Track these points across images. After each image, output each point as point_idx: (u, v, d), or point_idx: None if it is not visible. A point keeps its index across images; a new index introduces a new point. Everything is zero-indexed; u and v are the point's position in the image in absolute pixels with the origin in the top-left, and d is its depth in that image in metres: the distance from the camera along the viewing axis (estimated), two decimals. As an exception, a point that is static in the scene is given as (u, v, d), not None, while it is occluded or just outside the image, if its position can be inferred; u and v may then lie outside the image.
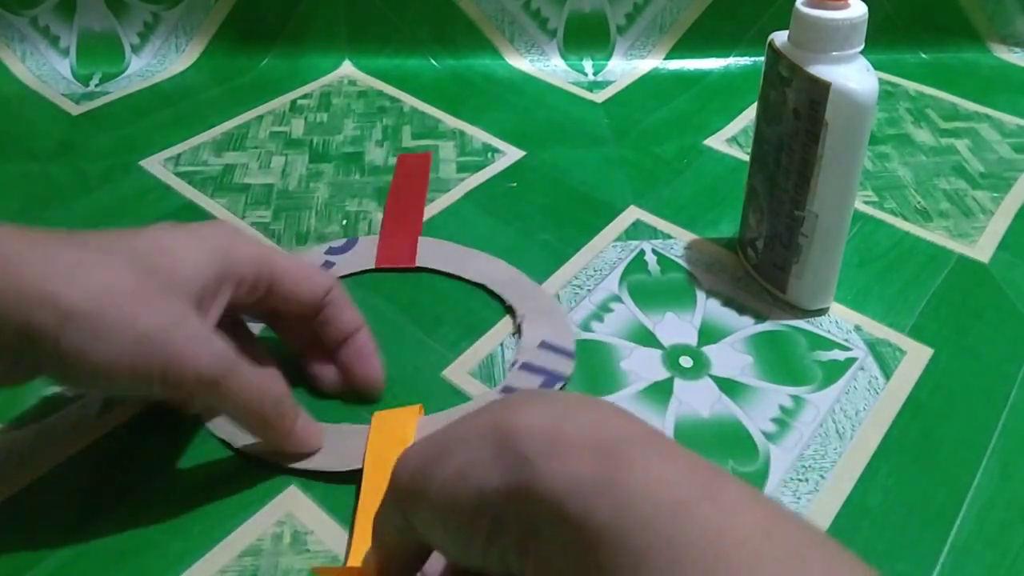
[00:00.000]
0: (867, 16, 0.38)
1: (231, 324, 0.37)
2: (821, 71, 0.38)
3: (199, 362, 0.31)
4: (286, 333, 0.40)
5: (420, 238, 0.50)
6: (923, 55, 0.71)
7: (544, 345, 0.42)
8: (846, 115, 0.38)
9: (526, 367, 0.41)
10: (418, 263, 0.48)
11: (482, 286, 0.46)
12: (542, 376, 0.41)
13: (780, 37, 0.41)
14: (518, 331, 0.43)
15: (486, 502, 0.21)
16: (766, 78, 0.42)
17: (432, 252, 0.49)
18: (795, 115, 0.40)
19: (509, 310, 0.45)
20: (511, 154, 0.59)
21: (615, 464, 0.20)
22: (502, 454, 0.21)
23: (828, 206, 0.41)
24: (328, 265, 0.48)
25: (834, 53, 0.38)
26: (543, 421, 0.22)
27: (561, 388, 0.40)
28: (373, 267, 0.48)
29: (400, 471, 0.24)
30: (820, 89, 0.38)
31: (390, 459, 0.34)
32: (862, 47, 0.38)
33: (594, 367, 0.42)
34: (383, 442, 0.37)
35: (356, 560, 0.32)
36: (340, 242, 0.50)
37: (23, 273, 0.29)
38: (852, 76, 0.38)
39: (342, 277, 0.47)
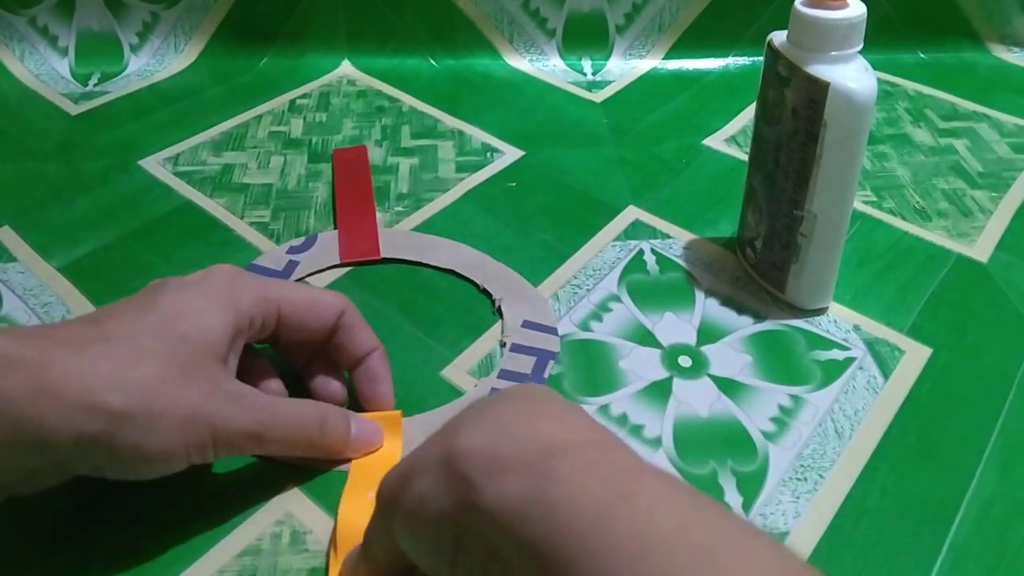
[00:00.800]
0: (866, 16, 0.38)
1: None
2: (820, 71, 0.38)
3: (241, 421, 0.32)
4: (290, 354, 0.40)
5: (378, 229, 0.51)
6: (922, 55, 0.71)
7: (527, 324, 0.43)
8: (845, 114, 0.38)
9: (516, 348, 0.42)
10: (382, 254, 0.49)
11: (451, 271, 0.47)
12: (533, 356, 0.42)
13: (779, 37, 0.41)
14: (498, 312, 0.44)
15: (444, 525, 0.23)
16: (765, 78, 0.42)
17: (394, 243, 0.49)
18: (794, 115, 0.40)
19: (484, 292, 0.46)
20: (510, 154, 0.59)
21: (545, 479, 0.21)
22: (450, 478, 0.23)
23: (827, 206, 0.41)
24: (292, 264, 0.48)
25: (833, 53, 0.38)
26: (483, 441, 0.23)
27: (553, 364, 0.41)
28: (338, 262, 0.48)
29: (382, 490, 0.26)
30: (819, 89, 0.38)
31: (373, 470, 0.35)
32: (861, 47, 0.38)
33: (593, 366, 0.42)
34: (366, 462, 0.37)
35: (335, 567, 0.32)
36: (299, 240, 0.50)
37: (66, 385, 0.29)
38: (851, 76, 0.38)
39: (309, 275, 0.47)
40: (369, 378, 0.38)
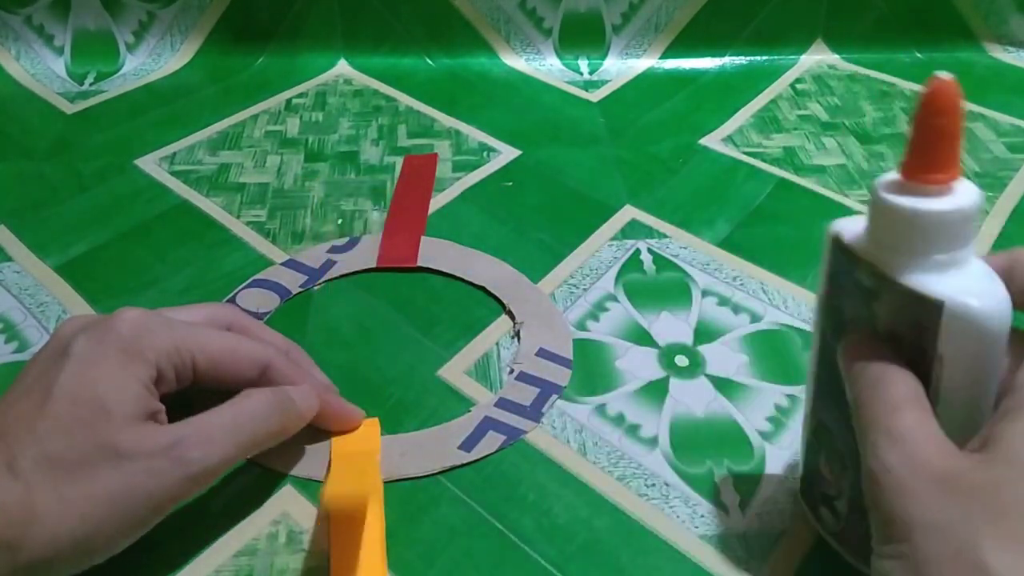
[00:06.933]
0: (981, 201, 0.26)
1: None
2: (925, 283, 0.26)
3: (175, 473, 0.31)
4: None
5: (423, 238, 0.50)
6: (918, 54, 0.71)
7: (542, 353, 0.42)
8: (969, 343, 0.26)
9: (523, 377, 0.41)
10: (420, 263, 0.48)
11: (482, 288, 0.46)
12: (538, 388, 0.40)
13: (848, 230, 0.28)
14: (516, 336, 0.43)
15: None
16: (833, 282, 0.29)
17: (434, 252, 0.49)
18: (893, 339, 0.27)
19: (508, 314, 0.45)
20: (507, 153, 0.59)
21: None
22: None
23: None
24: (329, 264, 0.48)
25: (938, 257, 0.26)
26: None
27: (557, 398, 0.40)
28: (374, 266, 0.48)
29: None
30: (929, 310, 0.26)
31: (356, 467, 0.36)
32: (973, 243, 0.26)
33: (589, 366, 0.42)
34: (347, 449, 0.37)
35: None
36: (342, 241, 0.50)
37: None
38: (972, 288, 0.25)
39: (343, 276, 0.47)
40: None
